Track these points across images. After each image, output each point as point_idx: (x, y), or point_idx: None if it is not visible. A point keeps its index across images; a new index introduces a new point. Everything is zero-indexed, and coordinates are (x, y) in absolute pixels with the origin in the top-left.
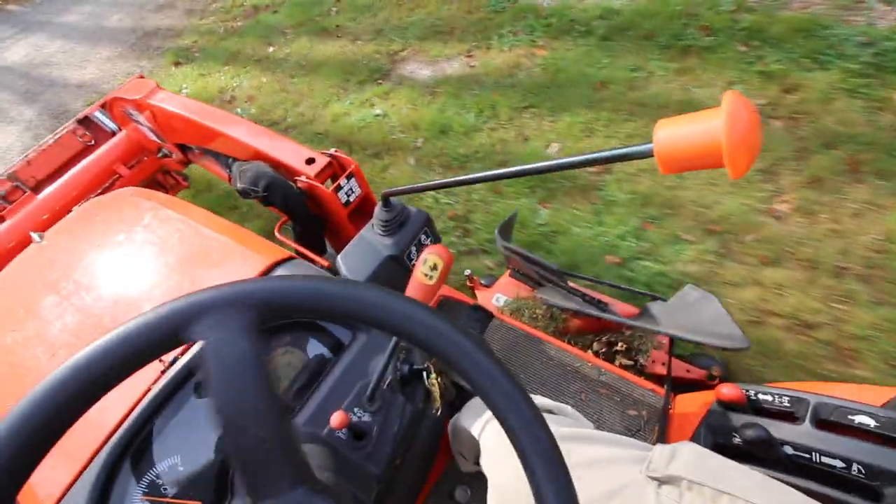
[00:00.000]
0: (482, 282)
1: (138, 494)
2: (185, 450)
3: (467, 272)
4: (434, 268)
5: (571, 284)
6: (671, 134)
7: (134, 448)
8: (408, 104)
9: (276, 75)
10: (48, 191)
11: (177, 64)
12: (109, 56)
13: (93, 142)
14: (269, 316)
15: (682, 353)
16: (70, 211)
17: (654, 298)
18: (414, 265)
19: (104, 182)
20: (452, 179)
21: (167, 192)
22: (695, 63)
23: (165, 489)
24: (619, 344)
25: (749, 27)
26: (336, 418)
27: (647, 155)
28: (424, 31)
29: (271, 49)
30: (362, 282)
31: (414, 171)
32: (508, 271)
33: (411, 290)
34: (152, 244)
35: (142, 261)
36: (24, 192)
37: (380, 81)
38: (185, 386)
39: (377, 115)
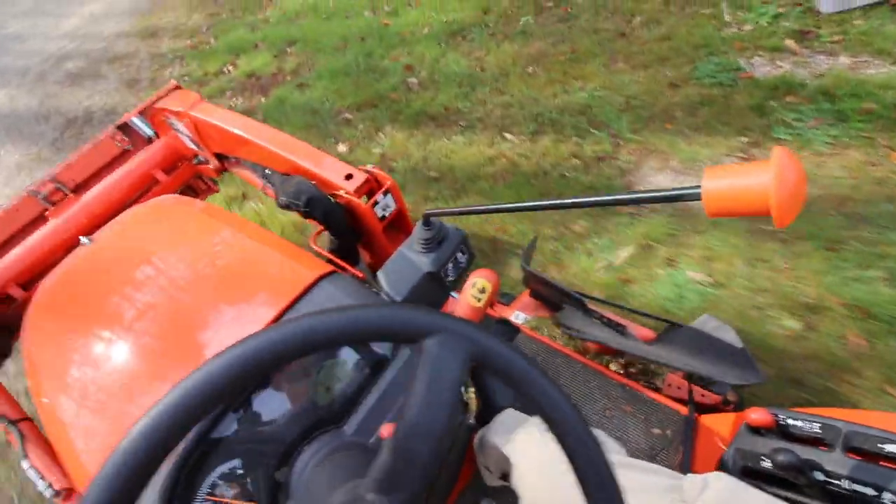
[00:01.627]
0: (501, 300)
1: (202, 495)
2: (245, 454)
3: None
4: (482, 290)
5: (592, 307)
6: (720, 182)
7: (200, 451)
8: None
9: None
10: (90, 193)
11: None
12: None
13: (130, 147)
14: (476, 360)
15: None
16: (111, 213)
17: (672, 325)
18: (451, 281)
19: (143, 186)
20: (493, 206)
21: (198, 196)
22: None
23: (225, 491)
24: (636, 366)
25: None
26: (385, 429)
27: (696, 198)
28: (624, 114)
29: (343, 148)
30: (550, 379)
31: None
32: (528, 290)
33: (461, 311)
34: (201, 252)
35: (194, 268)
36: (65, 194)
37: (634, 214)
38: (249, 395)
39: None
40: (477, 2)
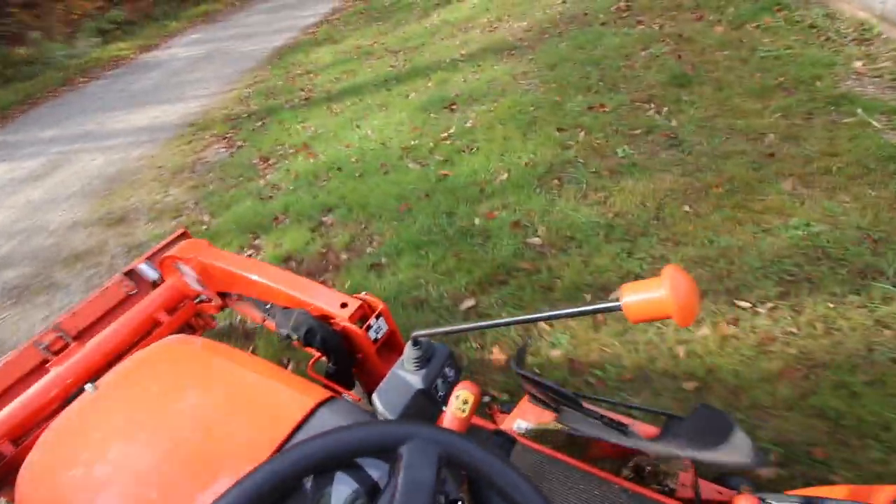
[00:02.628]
0: (501, 409)
1: None
2: None
3: (486, 399)
4: (466, 402)
5: (589, 406)
6: (632, 297)
7: None
8: None
9: None
10: (93, 341)
11: None
12: None
13: (135, 291)
14: (448, 460)
15: (710, 473)
16: (114, 358)
17: (672, 417)
18: (441, 396)
19: (146, 329)
20: (477, 324)
21: (196, 332)
22: None
23: None
24: (648, 468)
25: None
26: None
27: (617, 310)
28: (885, 251)
29: (501, 355)
30: (514, 467)
31: None
32: (527, 396)
33: (448, 423)
34: (203, 391)
35: (198, 407)
36: (67, 343)
37: None
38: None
39: None
40: (547, 138)
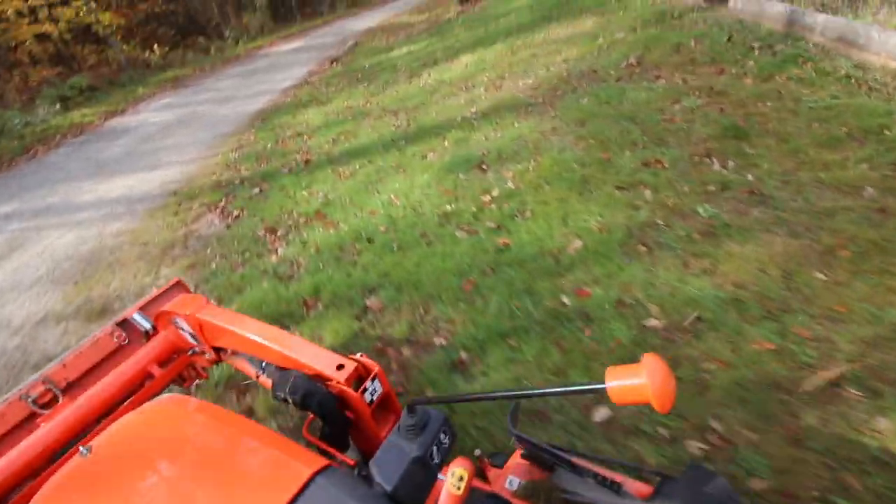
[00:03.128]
0: (492, 462)
1: None
2: None
3: (477, 452)
4: (461, 479)
5: (582, 463)
6: (614, 382)
7: None
8: None
9: None
10: (86, 395)
11: None
12: None
13: (127, 341)
14: None
15: None
16: (105, 413)
17: (665, 477)
18: (436, 463)
19: (139, 382)
20: (472, 395)
21: (186, 383)
22: None
23: None
24: None
25: None
26: None
27: (602, 392)
28: None
29: None
30: None
31: None
32: (518, 451)
33: (443, 501)
34: (200, 457)
35: (192, 474)
36: (54, 394)
37: None
38: None
39: None
40: (608, 198)
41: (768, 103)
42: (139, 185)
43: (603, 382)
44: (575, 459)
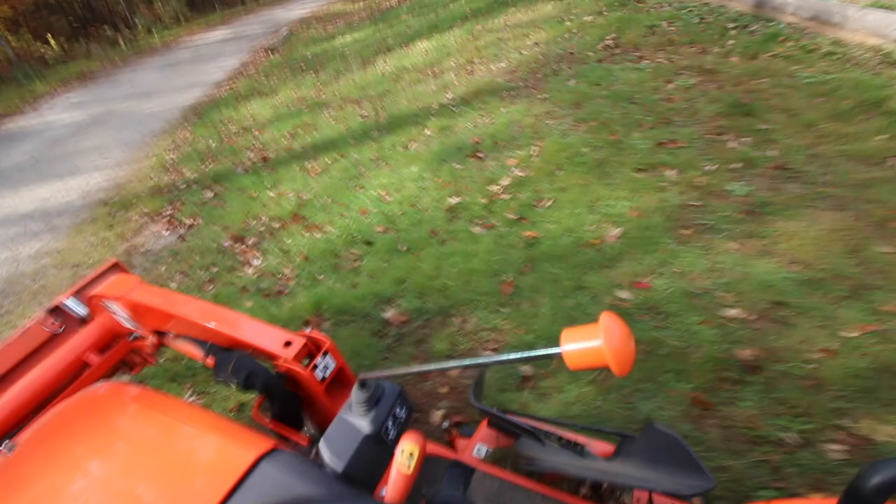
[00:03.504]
0: (461, 433)
1: None
2: None
3: (445, 424)
4: (411, 455)
5: (546, 427)
6: (570, 346)
7: None
8: None
9: None
10: (14, 388)
11: None
12: None
13: (62, 328)
14: None
15: None
16: (40, 406)
17: (625, 437)
18: (392, 439)
19: (74, 372)
20: (426, 367)
21: (134, 370)
22: None
23: None
24: (605, 485)
25: None
26: None
27: (557, 356)
28: None
29: None
30: None
31: None
32: (486, 420)
33: (392, 481)
34: (135, 448)
35: (125, 467)
36: None
37: None
38: None
39: None
40: (632, 181)
41: (764, 80)
42: (56, 195)
43: (557, 345)
44: (538, 425)
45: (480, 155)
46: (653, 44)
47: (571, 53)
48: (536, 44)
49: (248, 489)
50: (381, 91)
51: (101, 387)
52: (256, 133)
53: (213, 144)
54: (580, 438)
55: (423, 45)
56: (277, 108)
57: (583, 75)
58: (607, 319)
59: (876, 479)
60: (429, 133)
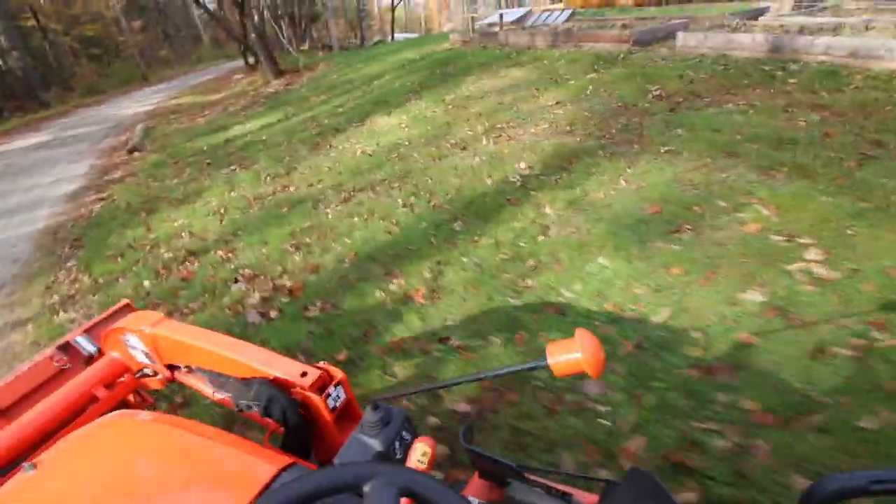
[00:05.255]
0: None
1: None
2: None
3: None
4: (424, 454)
5: (533, 477)
6: (554, 358)
7: None
8: None
9: None
10: (25, 417)
11: None
12: None
13: (68, 366)
14: (407, 492)
15: None
16: (46, 437)
17: (609, 483)
18: (399, 458)
19: (83, 405)
20: (431, 385)
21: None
22: None
23: None
24: None
25: None
26: None
27: (544, 367)
28: None
29: None
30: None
31: None
32: (477, 473)
33: None
34: (156, 466)
35: (148, 484)
36: None
37: None
38: None
39: None
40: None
41: (888, 107)
42: None
43: (544, 358)
44: (526, 473)
45: (688, 228)
46: (709, 90)
47: (628, 105)
48: (559, 103)
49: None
50: (393, 173)
51: (117, 414)
52: (223, 254)
53: (146, 285)
54: (566, 488)
55: (389, 120)
56: (221, 217)
57: (679, 123)
58: (582, 335)
59: (827, 492)
60: (556, 213)
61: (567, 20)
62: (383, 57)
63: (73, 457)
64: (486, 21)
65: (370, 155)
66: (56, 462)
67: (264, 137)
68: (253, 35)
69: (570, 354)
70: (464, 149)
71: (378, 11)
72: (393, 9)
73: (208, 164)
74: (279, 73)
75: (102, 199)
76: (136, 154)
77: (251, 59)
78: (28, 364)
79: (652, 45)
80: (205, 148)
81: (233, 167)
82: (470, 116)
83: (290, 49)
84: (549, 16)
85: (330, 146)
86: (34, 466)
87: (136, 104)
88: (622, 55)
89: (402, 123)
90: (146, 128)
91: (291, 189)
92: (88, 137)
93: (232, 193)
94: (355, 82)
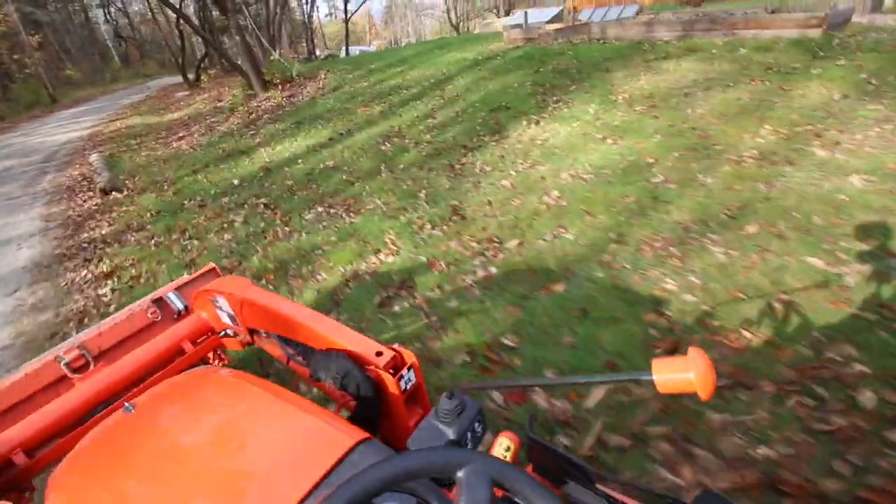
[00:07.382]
0: None
1: None
2: None
3: None
4: (508, 448)
5: (601, 487)
6: (663, 374)
7: None
8: None
9: None
10: (120, 362)
11: None
12: None
13: (159, 318)
14: (498, 482)
15: None
16: (137, 381)
17: (675, 502)
18: (470, 448)
19: (170, 356)
20: (515, 382)
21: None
22: None
23: None
24: None
25: None
26: None
27: (650, 382)
28: None
29: None
30: (555, 497)
31: None
32: (531, 465)
33: None
34: (243, 420)
35: (236, 437)
36: (88, 361)
37: None
38: None
39: None
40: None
41: None
42: None
43: (649, 372)
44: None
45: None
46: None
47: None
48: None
49: (347, 469)
50: (705, 211)
51: (206, 368)
52: None
53: None
54: (626, 499)
55: (556, 129)
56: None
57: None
58: (696, 356)
59: None
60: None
61: (636, 14)
62: (415, 59)
63: (167, 403)
64: (511, 22)
65: (585, 180)
66: (153, 406)
67: (331, 164)
68: (227, 46)
69: (681, 374)
70: (791, 163)
71: (319, 27)
72: (346, 21)
73: (267, 206)
74: (265, 86)
75: (106, 276)
76: (114, 196)
77: (191, 76)
78: (126, 312)
79: (842, 27)
80: (235, 182)
81: (332, 209)
82: (705, 118)
83: (281, 58)
84: (608, 11)
85: (478, 170)
86: (133, 407)
87: (60, 131)
88: (836, 40)
89: (593, 134)
90: (105, 158)
91: (500, 251)
92: (14, 177)
93: (388, 258)
94: (412, 88)
